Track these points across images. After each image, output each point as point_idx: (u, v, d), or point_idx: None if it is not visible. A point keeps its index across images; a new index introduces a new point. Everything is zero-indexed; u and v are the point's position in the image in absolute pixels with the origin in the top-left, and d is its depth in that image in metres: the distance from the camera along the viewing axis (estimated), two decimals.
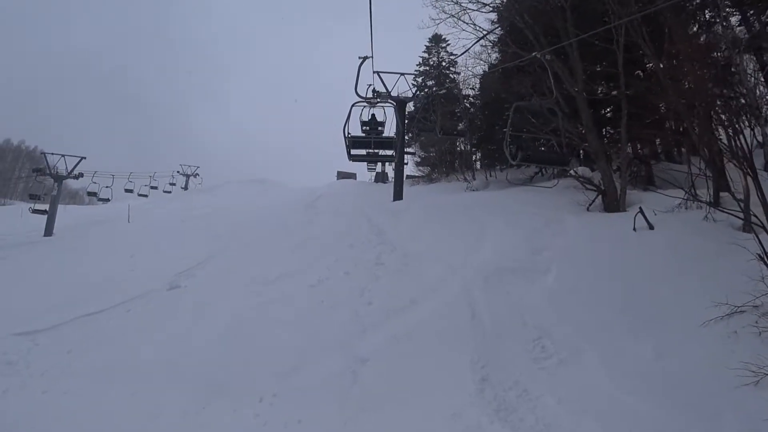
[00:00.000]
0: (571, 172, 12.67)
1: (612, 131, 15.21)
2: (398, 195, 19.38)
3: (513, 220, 11.65)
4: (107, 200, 31.05)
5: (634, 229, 9.57)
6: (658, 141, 17.58)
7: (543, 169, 22.22)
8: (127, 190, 37.66)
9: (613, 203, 11.86)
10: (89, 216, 32.47)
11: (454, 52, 37.81)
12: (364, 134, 14.87)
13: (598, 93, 13.96)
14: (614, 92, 14.49)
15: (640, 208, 9.57)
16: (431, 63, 40.44)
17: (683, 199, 9.92)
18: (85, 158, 26.15)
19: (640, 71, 15.51)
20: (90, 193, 33.03)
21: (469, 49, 15.91)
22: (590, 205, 12.18)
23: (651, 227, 9.50)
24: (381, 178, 42.07)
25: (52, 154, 27.49)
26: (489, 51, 26.63)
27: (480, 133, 26.17)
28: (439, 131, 18.74)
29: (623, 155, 12.22)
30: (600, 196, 12.33)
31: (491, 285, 8.72)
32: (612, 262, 8.64)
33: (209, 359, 7.89)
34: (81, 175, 27.00)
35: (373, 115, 15.64)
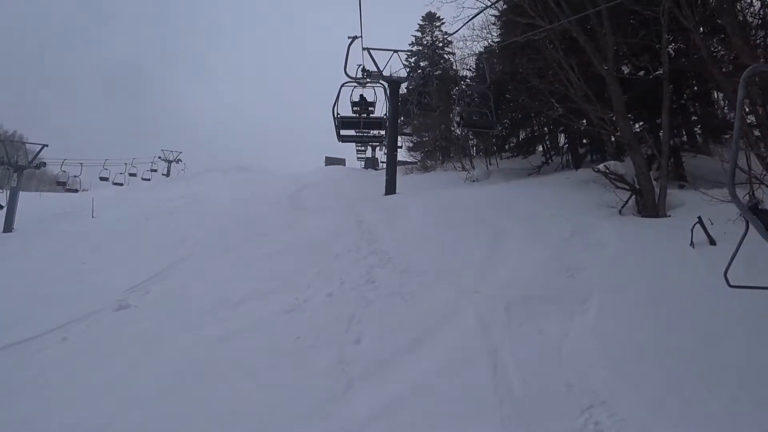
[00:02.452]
0: (600, 167, 10.71)
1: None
2: (391, 188, 17.35)
3: (532, 226, 9.67)
4: (75, 191, 29.07)
5: (692, 244, 7.60)
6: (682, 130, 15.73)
7: (550, 158, 20.31)
8: (102, 178, 35.57)
9: (650, 206, 9.90)
10: (61, 206, 30.16)
11: (449, 31, 35.79)
12: (353, 115, 13.65)
13: (626, 72, 11.90)
14: (641, 72, 12.48)
15: (699, 218, 7.59)
16: (425, 42, 38.33)
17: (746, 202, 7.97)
18: (47, 146, 23.84)
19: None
20: (59, 183, 30.98)
21: (477, 15, 13.81)
22: (623, 207, 10.22)
23: (712, 242, 7.55)
24: (371, 164, 40.02)
25: (12, 141, 25.34)
26: (490, 26, 24.64)
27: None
28: (458, 121, 16.01)
29: (665, 147, 10.20)
30: (633, 197, 10.37)
31: (516, 319, 6.74)
32: (673, 292, 6.68)
33: (148, 427, 5.90)
34: (43, 164, 24.71)
35: (362, 95, 14.10)
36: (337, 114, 12.18)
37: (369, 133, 13.51)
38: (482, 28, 25.30)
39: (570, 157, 19.30)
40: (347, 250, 10.13)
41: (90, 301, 10.30)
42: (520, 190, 13.55)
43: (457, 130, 28.53)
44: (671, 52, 13.63)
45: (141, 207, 21.65)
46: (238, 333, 7.77)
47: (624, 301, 6.76)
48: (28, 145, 25.80)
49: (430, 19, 38.45)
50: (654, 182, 10.13)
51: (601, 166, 10.63)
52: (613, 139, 15.17)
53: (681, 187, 11.39)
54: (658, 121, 13.46)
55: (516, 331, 6.48)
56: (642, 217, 9.93)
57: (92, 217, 20.54)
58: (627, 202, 10.21)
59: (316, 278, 9.12)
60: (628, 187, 10.30)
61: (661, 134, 11.35)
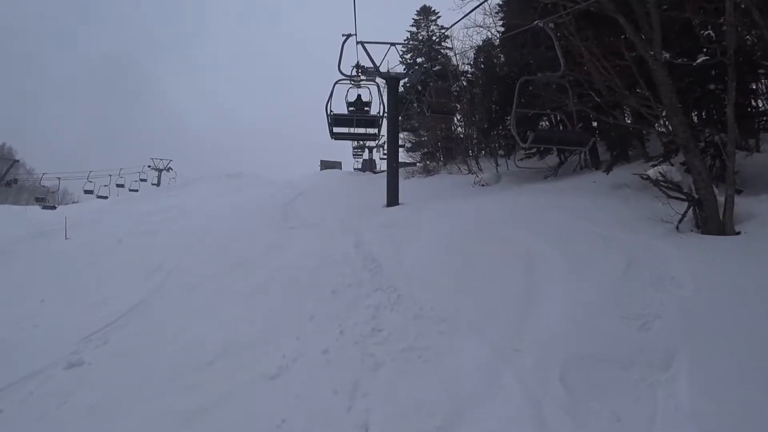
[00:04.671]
0: (650, 173, 8.90)
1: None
2: (393, 198, 15.59)
3: (573, 250, 7.87)
4: (52, 207, 27.30)
5: None
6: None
7: (565, 158, 18.52)
8: (86, 191, 33.72)
9: (713, 220, 8.09)
10: (40, 224, 28.29)
11: (445, 24, 34.20)
12: (348, 113, 13.00)
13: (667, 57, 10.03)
14: (680, 59, 10.63)
15: None
16: (420, 38, 36.58)
17: None
18: (17, 161, 22.07)
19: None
20: (38, 199, 29.21)
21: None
22: (680, 221, 8.41)
23: None
24: (368, 166, 38.32)
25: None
26: (494, 15, 22.91)
27: (486, 114, 22.30)
28: (520, 134, 11.24)
29: (731, 146, 8.37)
30: (691, 208, 8.55)
31: (578, 395, 4.93)
32: None
33: None
34: (15, 181, 22.95)
35: (358, 95, 13.07)
36: (330, 111, 11.81)
37: (365, 131, 12.73)
38: (489, 14, 23.40)
39: (588, 157, 17.52)
40: (347, 284, 8.32)
41: (40, 354, 8.55)
42: (544, 199, 11.73)
43: (459, 128, 26.74)
44: (713, 34, 11.92)
45: (120, 225, 19.85)
46: (209, 408, 5.97)
47: (723, 366, 4.96)
48: (9, 160, 24.22)
49: (425, 13, 36.75)
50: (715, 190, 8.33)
51: (651, 172, 8.84)
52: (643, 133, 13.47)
53: (738, 192, 9.58)
54: (695, 114, 11.74)
55: (582, 415, 4.67)
56: (704, 234, 8.14)
57: (65, 238, 18.67)
58: (684, 215, 8.43)
59: (308, 325, 7.32)
60: (684, 197, 8.50)
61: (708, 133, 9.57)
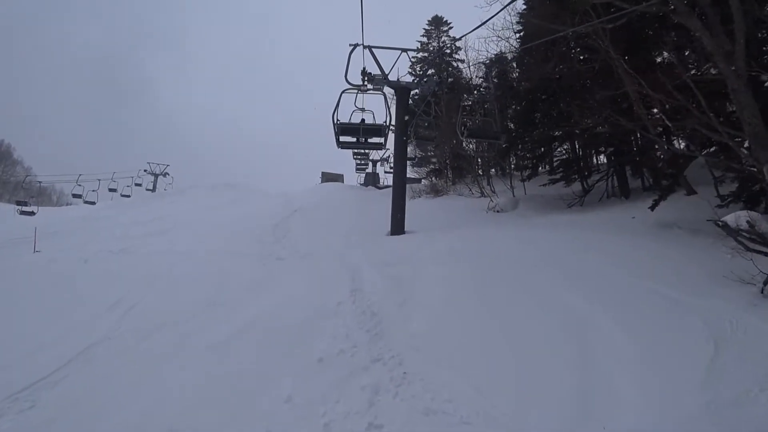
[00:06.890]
0: (728, 220, 7.09)
1: None
2: (398, 225, 13.76)
3: (633, 318, 6.09)
4: (31, 213, 25.71)
5: None
6: None
7: (590, 186, 16.74)
8: (75, 195, 32.22)
9: None
10: (22, 230, 26.57)
11: (456, 35, 32.76)
12: (354, 122, 12.88)
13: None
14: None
15: None
16: (431, 48, 35.09)
17: None
18: None
19: None
20: (19, 202, 27.66)
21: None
22: (767, 283, 6.59)
23: None
24: (371, 180, 36.54)
25: None
26: (514, 25, 21.34)
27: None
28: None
29: None
30: None
31: None
32: None
33: None
34: None
35: (362, 119, 12.27)
36: (337, 120, 12.12)
37: (366, 140, 13.13)
38: (510, 22, 21.81)
39: (616, 183, 15.77)
40: (337, 349, 6.49)
41: None
42: (579, 238, 9.88)
43: (465, 144, 24.97)
44: None
45: (96, 238, 18.05)
46: None
47: None
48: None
49: (437, 23, 35.31)
50: None
51: (729, 219, 7.02)
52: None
53: None
54: None
55: None
56: None
57: (34, 251, 16.87)
58: None
59: (282, 409, 5.48)
60: None
61: None
